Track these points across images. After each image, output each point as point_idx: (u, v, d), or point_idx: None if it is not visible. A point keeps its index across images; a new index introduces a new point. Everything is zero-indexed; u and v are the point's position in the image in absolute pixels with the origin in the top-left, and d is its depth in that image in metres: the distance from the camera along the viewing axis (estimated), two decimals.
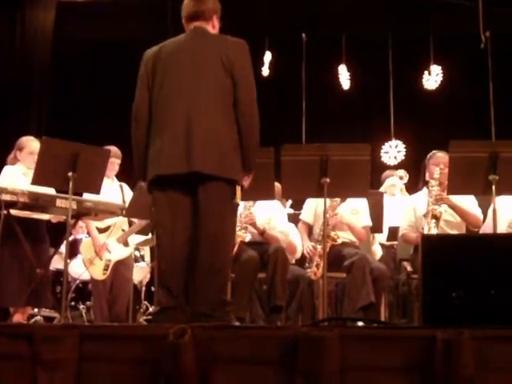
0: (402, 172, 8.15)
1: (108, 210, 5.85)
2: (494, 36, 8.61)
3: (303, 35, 9.47)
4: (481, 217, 5.87)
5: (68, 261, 6.24)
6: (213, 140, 3.98)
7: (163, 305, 3.99)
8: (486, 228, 5.73)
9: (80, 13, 9.69)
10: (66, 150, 5.18)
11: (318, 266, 5.75)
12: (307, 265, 5.94)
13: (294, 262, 6.50)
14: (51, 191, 5.62)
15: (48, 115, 9.63)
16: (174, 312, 3.93)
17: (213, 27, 4.33)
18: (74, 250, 7.07)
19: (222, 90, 4.05)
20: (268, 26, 9.44)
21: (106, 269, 6.43)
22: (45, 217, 5.94)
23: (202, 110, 4.03)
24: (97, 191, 5.45)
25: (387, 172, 8.16)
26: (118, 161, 6.65)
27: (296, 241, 6.49)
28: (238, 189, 4.08)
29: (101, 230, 6.53)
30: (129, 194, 6.58)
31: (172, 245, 4.05)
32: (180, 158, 3.97)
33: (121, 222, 6.54)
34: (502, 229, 5.54)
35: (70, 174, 5.13)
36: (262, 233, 5.95)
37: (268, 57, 9.80)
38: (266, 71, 9.75)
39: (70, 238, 6.81)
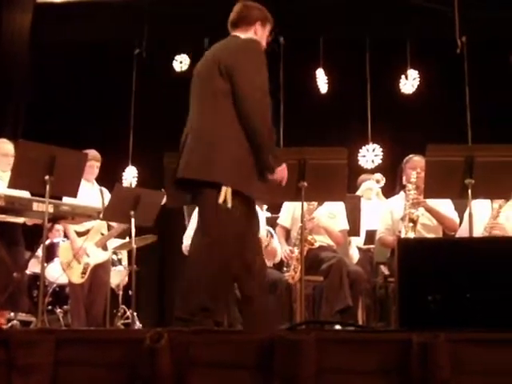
0: (378, 176, 8.18)
1: (85, 214, 5.82)
2: (469, 41, 8.67)
3: (281, 39, 9.47)
4: (457, 220, 5.90)
5: (45, 264, 6.21)
6: (201, 143, 4.03)
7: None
8: (462, 232, 5.76)
9: (58, 15, 9.65)
10: (42, 153, 5.16)
11: (295, 269, 5.76)
12: (285, 269, 5.95)
13: (271, 265, 6.50)
14: (26, 194, 5.59)
15: (25, 118, 9.57)
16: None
17: (255, 34, 4.34)
18: (50, 254, 7.03)
19: (217, 93, 4.07)
20: None
21: (84, 272, 6.41)
22: (20, 220, 5.91)
23: (198, 114, 4.15)
24: (74, 194, 5.43)
25: (363, 176, 8.18)
26: (98, 164, 6.64)
27: (275, 244, 6.50)
28: (228, 190, 4.02)
29: (80, 234, 6.50)
30: (108, 198, 6.56)
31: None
32: (179, 164, 4.15)
33: (100, 225, 6.52)
34: (477, 232, 5.58)
35: (46, 177, 5.10)
36: None
37: None
38: None
39: (47, 242, 6.78)
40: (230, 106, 4.05)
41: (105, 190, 6.75)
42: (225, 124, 4.05)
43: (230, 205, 3.97)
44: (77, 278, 6.41)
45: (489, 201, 5.78)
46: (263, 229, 6.23)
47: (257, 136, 4.04)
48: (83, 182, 5.63)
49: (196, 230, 4.18)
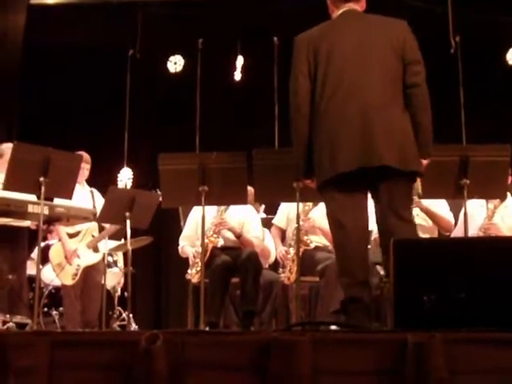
0: None
1: (80, 216, 5.82)
2: (463, 41, 8.68)
3: (275, 39, 9.46)
4: (452, 221, 5.91)
5: (40, 266, 6.19)
6: (392, 131, 3.80)
7: (351, 294, 3.93)
8: (458, 232, 5.77)
9: (51, 15, 9.63)
10: (37, 154, 5.15)
11: (291, 270, 5.76)
12: (281, 269, 5.95)
13: (267, 266, 6.51)
14: (23, 196, 5.58)
15: (19, 120, 9.56)
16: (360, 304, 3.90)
17: (361, 8, 4.12)
18: (46, 256, 7.02)
19: (392, 74, 3.86)
20: (240, 30, 9.45)
21: (75, 274, 6.39)
22: (25, 224, 5.90)
23: (377, 100, 3.83)
24: (69, 196, 5.43)
25: None
26: (88, 166, 6.62)
27: (270, 245, 6.50)
28: (419, 180, 3.94)
29: (70, 236, 6.49)
30: (99, 200, 6.55)
31: (353, 237, 3.95)
32: (362, 152, 3.78)
33: (91, 227, 6.51)
34: (473, 233, 5.59)
35: (41, 179, 5.10)
36: (239, 236, 5.95)
37: (240, 61, 9.80)
38: (238, 75, 9.75)
39: (43, 244, 6.77)
40: (401, 87, 3.89)
41: (95, 192, 6.74)
42: (404, 107, 3.88)
43: (420, 192, 3.95)
44: (68, 280, 6.40)
45: (484, 201, 5.79)
46: (260, 229, 6.24)
47: (429, 116, 3.95)
48: None
49: (383, 217, 3.96)
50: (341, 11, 4.07)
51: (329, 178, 3.86)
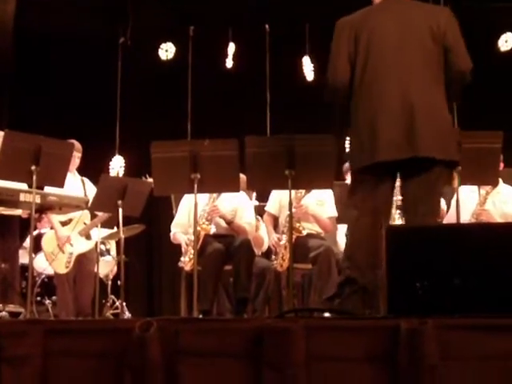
0: None
1: (72, 204, 5.81)
2: None
3: (266, 26, 9.43)
4: (444, 208, 5.92)
5: (33, 255, 6.19)
6: (433, 118, 3.80)
7: (347, 275, 3.93)
8: (450, 218, 5.78)
9: (42, 3, 9.58)
10: (28, 143, 5.12)
11: (283, 257, 5.77)
12: (273, 257, 5.96)
13: (260, 253, 6.51)
14: (16, 185, 5.56)
15: (9, 108, 9.52)
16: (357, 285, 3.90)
17: None
18: (39, 244, 7.01)
19: (432, 61, 3.86)
20: (231, 18, 9.42)
21: (68, 262, 6.38)
22: (17, 212, 5.88)
23: (418, 84, 3.83)
24: (61, 185, 5.41)
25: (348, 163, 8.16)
26: (79, 154, 6.61)
27: (262, 233, 6.51)
28: (455, 173, 3.94)
29: (62, 224, 6.47)
30: (90, 188, 6.54)
31: (368, 223, 3.89)
32: (402, 142, 3.77)
33: (83, 215, 6.50)
34: (465, 219, 5.61)
35: (33, 167, 5.07)
36: (230, 223, 5.95)
37: (232, 48, 9.78)
38: (229, 63, 9.73)
39: (35, 232, 6.75)
40: (441, 74, 3.91)
41: (86, 180, 6.73)
42: (443, 95, 3.91)
43: (456, 183, 4.01)
44: (61, 268, 6.39)
45: (476, 187, 5.80)
46: (253, 216, 6.24)
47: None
48: None
49: (414, 206, 3.91)
50: None
51: (368, 164, 3.87)
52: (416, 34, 3.89)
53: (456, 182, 3.99)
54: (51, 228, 6.64)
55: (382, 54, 3.89)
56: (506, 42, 9.61)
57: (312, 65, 10.06)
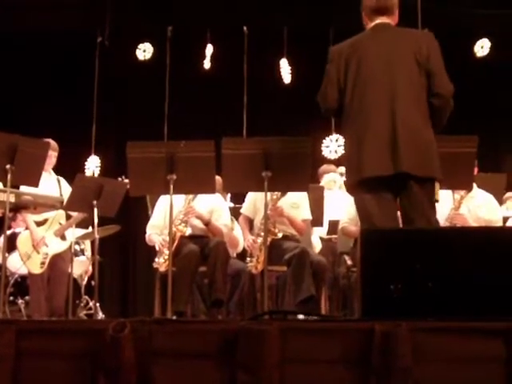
0: (343, 169, 8.20)
1: (47, 204, 5.78)
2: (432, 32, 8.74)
3: (244, 28, 9.45)
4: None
5: (6, 255, 6.14)
6: (416, 137, 4.00)
7: None
8: None
9: (18, 2, 9.52)
10: (3, 141, 5.08)
11: (258, 259, 5.76)
12: (248, 259, 5.95)
13: (235, 255, 6.51)
14: None
15: None
16: None
17: (394, 21, 4.29)
18: (12, 244, 6.95)
19: (417, 84, 4.05)
20: (209, 19, 9.42)
21: (43, 262, 6.34)
22: None
23: (402, 107, 4.02)
24: (35, 184, 5.37)
25: (325, 166, 8.18)
26: (55, 153, 6.56)
27: (237, 234, 6.50)
28: (437, 185, 4.07)
29: (37, 224, 6.43)
30: (66, 188, 6.50)
31: None
32: (386, 159, 3.95)
33: (59, 215, 6.46)
34: (439, 222, 5.62)
35: (7, 166, 5.03)
36: (207, 223, 5.94)
37: (210, 50, 9.78)
38: (207, 64, 9.72)
39: (9, 232, 6.70)
40: (426, 98, 4.08)
41: (62, 180, 6.68)
42: (427, 117, 4.10)
43: (438, 197, 4.10)
44: (36, 268, 6.34)
45: (450, 191, 5.83)
46: (228, 218, 6.24)
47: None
48: None
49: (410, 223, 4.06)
50: (373, 24, 4.26)
51: (357, 179, 4.06)
52: (401, 60, 4.10)
53: (438, 196, 4.10)
54: (26, 228, 6.60)
55: (370, 80, 4.11)
56: (482, 47, 9.70)
57: (289, 67, 10.08)
